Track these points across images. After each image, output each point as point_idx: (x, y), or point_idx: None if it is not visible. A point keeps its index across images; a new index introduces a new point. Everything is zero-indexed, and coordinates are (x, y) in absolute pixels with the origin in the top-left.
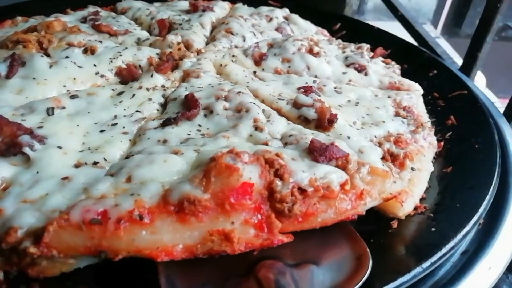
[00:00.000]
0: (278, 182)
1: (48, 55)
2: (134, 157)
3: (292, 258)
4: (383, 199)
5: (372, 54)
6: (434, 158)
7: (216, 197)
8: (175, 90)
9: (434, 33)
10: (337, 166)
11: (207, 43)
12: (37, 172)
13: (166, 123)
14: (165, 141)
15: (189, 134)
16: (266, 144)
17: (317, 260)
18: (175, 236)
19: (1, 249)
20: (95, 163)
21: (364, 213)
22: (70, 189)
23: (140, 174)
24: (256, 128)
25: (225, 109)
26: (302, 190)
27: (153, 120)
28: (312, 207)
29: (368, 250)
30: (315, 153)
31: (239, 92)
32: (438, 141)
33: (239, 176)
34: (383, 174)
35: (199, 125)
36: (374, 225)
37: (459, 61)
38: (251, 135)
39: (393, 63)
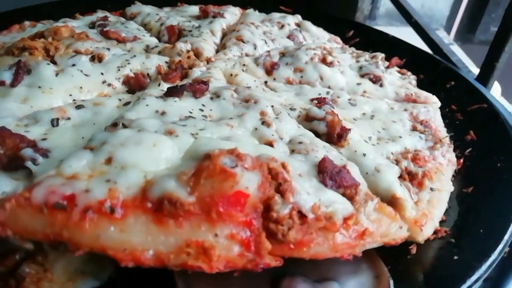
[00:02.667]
0: (278, 198)
1: (54, 63)
2: (120, 132)
3: (312, 275)
4: (383, 243)
5: (387, 63)
6: (453, 176)
7: (203, 202)
8: None
9: (447, 39)
10: (343, 194)
11: (217, 51)
12: None
13: (170, 93)
14: (163, 113)
15: (190, 112)
16: (272, 144)
17: (338, 278)
18: (147, 239)
19: None
20: None
21: (360, 254)
22: None
23: (122, 156)
24: (263, 122)
25: (233, 97)
26: (301, 215)
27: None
28: (308, 235)
29: (386, 270)
30: (325, 174)
31: (249, 87)
32: (457, 158)
33: (235, 183)
34: (390, 215)
35: (203, 105)
36: (391, 250)
37: (473, 68)
38: (256, 129)
39: (409, 73)
